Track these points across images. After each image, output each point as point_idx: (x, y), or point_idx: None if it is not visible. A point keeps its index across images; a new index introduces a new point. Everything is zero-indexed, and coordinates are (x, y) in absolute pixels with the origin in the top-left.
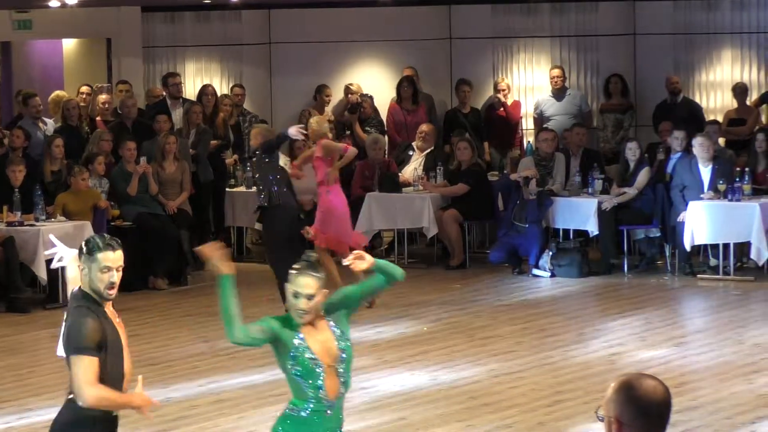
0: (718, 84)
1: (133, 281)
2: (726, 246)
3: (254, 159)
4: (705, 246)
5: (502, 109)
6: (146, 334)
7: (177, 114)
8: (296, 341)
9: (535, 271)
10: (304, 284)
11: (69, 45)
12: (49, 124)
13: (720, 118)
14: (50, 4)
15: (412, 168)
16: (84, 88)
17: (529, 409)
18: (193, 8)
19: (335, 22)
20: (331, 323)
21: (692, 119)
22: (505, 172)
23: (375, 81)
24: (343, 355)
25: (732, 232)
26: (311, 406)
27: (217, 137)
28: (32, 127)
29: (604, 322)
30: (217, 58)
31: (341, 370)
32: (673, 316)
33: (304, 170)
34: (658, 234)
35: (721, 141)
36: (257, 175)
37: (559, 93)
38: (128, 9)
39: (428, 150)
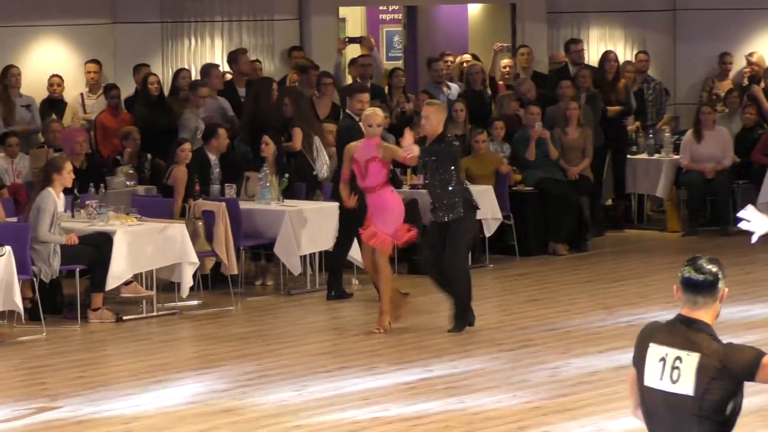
0: None
1: (533, 246)
2: None
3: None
4: None
5: None
6: (545, 299)
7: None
8: None
9: None
10: None
11: (474, 10)
12: (453, 88)
13: None
14: None
15: None
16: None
17: None
18: None
19: None
20: None
21: None
22: None
23: None
24: None
25: None
26: None
27: (619, 103)
28: (435, 90)
29: None
30: (621, 25)
31: None
32: None
33: (705, 136)
34: None
35: None
36: None
37: None
38: None
39: None
